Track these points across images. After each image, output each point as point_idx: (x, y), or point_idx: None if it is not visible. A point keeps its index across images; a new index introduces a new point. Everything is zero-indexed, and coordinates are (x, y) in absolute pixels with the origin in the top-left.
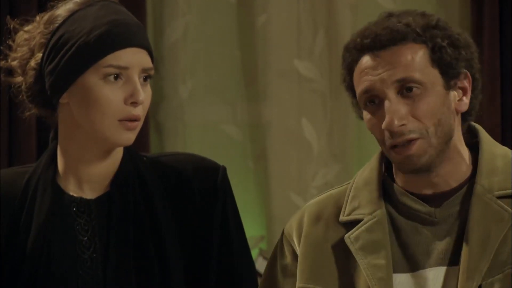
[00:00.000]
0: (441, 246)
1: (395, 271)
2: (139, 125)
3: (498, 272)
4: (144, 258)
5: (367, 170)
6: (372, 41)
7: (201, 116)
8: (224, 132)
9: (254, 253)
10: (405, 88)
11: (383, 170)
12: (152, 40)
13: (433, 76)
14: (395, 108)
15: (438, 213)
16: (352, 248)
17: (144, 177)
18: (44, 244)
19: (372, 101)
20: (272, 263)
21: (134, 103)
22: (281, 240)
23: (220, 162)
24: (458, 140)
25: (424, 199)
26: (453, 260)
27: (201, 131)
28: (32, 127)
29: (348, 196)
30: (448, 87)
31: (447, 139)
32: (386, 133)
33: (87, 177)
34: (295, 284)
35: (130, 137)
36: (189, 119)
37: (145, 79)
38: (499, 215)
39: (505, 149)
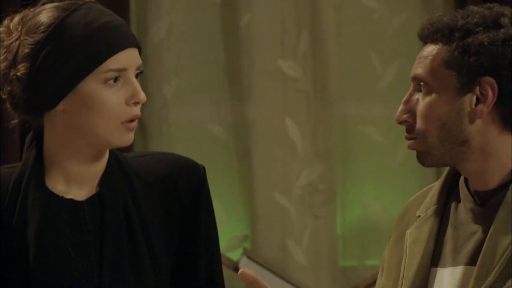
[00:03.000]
0: (469, 246)
1: (432, 265)
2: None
3: (507, 280)
4: (137, 257)
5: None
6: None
7: (185, 116)
8: (209, 131)
9: (238, 252)
10: (418, 84)
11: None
12: None
13: (446, 79)
14: (405, 102)
15: (480, 212)
16: (405, 244)
17: (130, 176)
18: (39, 247)
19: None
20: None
21: (136, 103)
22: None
23: (205, 161)
24: (488, 143)
25: (478, 194)
26: (474, 260)
27: (186, 131)
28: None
29: (431, 190)
30: (463, 91)
31: (458, 142)
32: None
33: (76, 178)
34: None
35: (131, 137)
36: (173, 119)
37: (137, 76)
38: None
39: None
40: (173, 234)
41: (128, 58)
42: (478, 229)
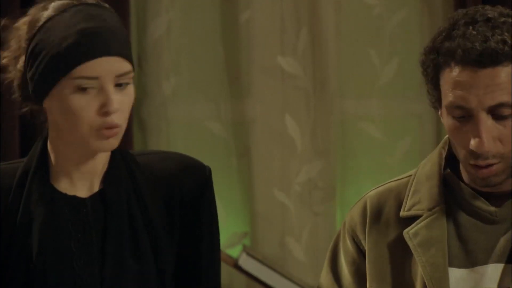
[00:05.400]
0: (500, 244)
1: (452, 265)
2: (120, 131)
3: None
4: (140, 255)
5: (429, 165)
6: (475, 58)
7: (184, 113)
8: (208, 129)
9: (238, 249)
10: (499, 112)
11: (444, 164)
12: (135, 36)
13: None
14: (488, 132)
15: (499, 212)
16: (410, 243)
17: (135, 174)
18: (42, 243)
19: (462, 116)
20: (335, 259)
21: (107, 113)
22: (343, 235)
23: (204, 159)
24: None
25: (486, 196)
26: (511, 258)
27: (185, 128)
28: (15, 119)
29: (409, 191)
30: None
31: None
32: (470, 150)
33: (78, 175)
34: (365, 278)
35: (111, 143)
36: (172, 116)
37: (120, 85)
38: None
39: None
40: (176, 233)
41: (101, 67)
42: (504, 229)
